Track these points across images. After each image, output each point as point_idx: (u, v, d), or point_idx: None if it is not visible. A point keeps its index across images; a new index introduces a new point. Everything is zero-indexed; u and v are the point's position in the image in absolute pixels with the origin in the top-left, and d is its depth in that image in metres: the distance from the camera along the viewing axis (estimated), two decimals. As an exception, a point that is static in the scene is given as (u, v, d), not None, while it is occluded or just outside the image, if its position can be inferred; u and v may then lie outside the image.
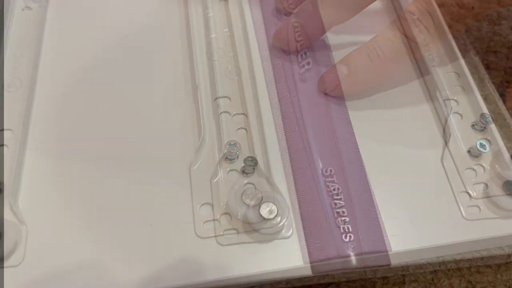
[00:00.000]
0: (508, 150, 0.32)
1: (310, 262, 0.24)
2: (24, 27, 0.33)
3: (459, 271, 0.28)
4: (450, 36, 0.34)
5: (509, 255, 0.27)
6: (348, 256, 0.24)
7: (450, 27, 0.39)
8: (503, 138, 0.30)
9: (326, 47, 0.33)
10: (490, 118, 0.29)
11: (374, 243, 0.25)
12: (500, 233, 0.26)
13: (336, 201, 0.26)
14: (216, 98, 0.30)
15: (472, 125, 0.31)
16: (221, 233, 0.25)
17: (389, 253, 0.25)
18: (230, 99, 0.30)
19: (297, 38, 0.33)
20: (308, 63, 0.32)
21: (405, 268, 0.26)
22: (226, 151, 0.27)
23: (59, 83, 0.31)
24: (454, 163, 0.29)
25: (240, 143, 0.27)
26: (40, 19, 0.33)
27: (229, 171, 0.27)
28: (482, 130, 0.30)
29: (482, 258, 0.27)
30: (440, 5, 0.38)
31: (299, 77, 0.31)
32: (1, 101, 0.29)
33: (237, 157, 0.27)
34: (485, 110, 0.31)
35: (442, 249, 0.26)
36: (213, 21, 0.34)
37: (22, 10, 0.33)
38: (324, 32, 0.34)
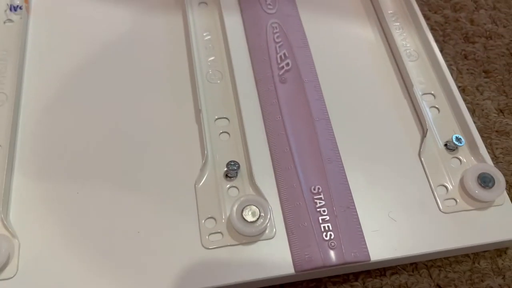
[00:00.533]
0: (485, 141, 0.33)
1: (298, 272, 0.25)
2: (7, 41, 0.33)
3: (440, 261, 0.29)
4: (426, 28, 0.35)
5: (484, 245, 0.27)
6: (333, 265, 0.25)
7: (428, 18, 0.40)
8: (479, 130, 0.31)
9: (306, 48, 0.34)
10: (461, 140, 0.30)
11: (357, 254, 0.26)
12: (476, 225, 0.27)
13: (323, 217, 0.27)
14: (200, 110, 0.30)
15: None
16: (206, 237, 0.26)
17: (370, 261, 0.26)
18: (215, 103, 0.31)
19: (276, 39, 0.34)
20: (288, 64, 0.33)
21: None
22: (226, 169, 0.28)
23: (45, 96, 0.31)
24: (432, 157, 0.30)
25: (239, 163, 0.28)
26: (22, 32, 0.33)
27: (229, 188, 0.28)
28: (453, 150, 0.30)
29: (460, 249, 0.28)
30: (419, -3, 0.39)
31: (278, 79, 0.32)
32: (-13, 116, 0.30)
33: (237, 175, 0.28)
34: (461, 103, 0.31)
35: (419, 245, 0.27)
36: (193, 26, 0.34)
37: (4, 23, 0.34)
38: (303, 32, 0.34)
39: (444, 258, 0.29)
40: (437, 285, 0.28)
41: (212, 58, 0.33)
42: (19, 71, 0.31)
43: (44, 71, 0.32)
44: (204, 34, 0.34)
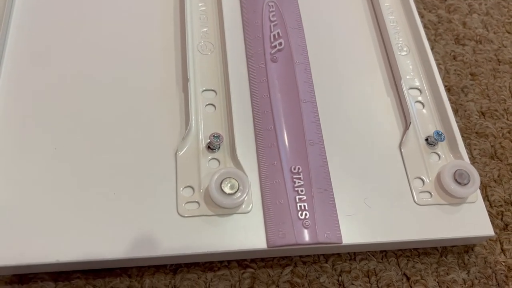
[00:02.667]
0: (464, 141, 0.34)
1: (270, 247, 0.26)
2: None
3: (409, 251, 0.29)
4: (420, 25, 0.35)
5: (453, 239, 0.28)
6: (306, 244, 0.25)
7: (422, 16, 0.40)
8: (460, 130, 0.31)
9: (300, 29, 0.34)
10: (442, 136, 0.30)
11: (329, 235, 0.26)
12: (447, 219, 0.28)
13: (300, 196, 0.27)
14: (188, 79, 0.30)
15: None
16: (183, 205, 0.26)
17: (341, 244, 0.26)
18: (202, 75, 0.31)
19: (271, 18, 0.34)
20: (281, 44, 0.33)
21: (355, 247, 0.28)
22: (209, 141, 0.28)
23: (31, 50, 0.31)
24: (412, 149, 0.30)
25: (222, 136, 0.28)
26: (6, 4, 0.32)
27: (210, 160, 0.28)
28: (433, 145, 0.31)
29: (429, 241, 0.28)
30: (415, -6, 0.39)
31: (270, 57, 0.32)
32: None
33: (218, 147, 0.28)
34: (446, 101, 0.32)
35: (391, 233, 0.27)
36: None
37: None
38: (299, 14, 0.34)
39: (414, 248, 0.29)
40: (404, 274, 0.28)
41: (205, 29, 0.33)
42: (5, 24, 0.31)
43: (31, 28, 0.32)
44: (200, 5, 0.34)
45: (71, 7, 0.33)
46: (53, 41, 0.31)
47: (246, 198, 0.27)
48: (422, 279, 0.28)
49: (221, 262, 0.27)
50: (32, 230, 0.25)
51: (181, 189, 0.27)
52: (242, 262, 0.27)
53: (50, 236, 0.25)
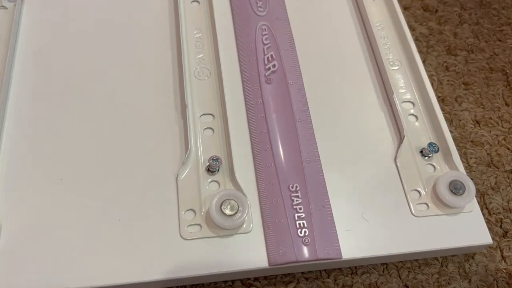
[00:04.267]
0: (460, 150, 0.35)
1: (272, 266, 0.26)
2: (0, 26, 0.34)
3: (409, 263, 0.30)
4: (410, 39, 0.36)
5: (453, 249, 0.29)
6: (306, 261, 0.26)
7: (414, 29, 0.41)
8: (455, 139, 0.32)
9: (293, 51, 0.35)
10: (436, 147, 0.31)
11: (329, 251, 0.27)
12: (445, 229, 0.29)
13: (299, 214, 0.28)
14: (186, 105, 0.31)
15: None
16: (185, 228, 0.27)
17: (342, 259, 0.27)
18: (202, 100, 0.32)
19: (264, 41, 0.35)
20: (274, 66, 0.34)
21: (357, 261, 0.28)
22: (208, 164, 0.29)
23: (35, 82, 0.32)
24: (407, 162, 0.31)
25: (221, 158, 0.29)
26: (15, 19, 0.34)
27: (210, 182, 0.29)
28: (428, 157, 0.31)
29: (429, 252, 0.29)
30: (405, 8, 0.40)
31: (264, 79, 0.33)
32: (-24, 99, 0.30)
33: (218, 170, 0.29)
34: (439, 112, 0.32)
35: (390, 246, 0.28)
36: (184, 23, 0.35)
37: (-2, 9, 0.34)
38: (291, 35, 0.35)
39: (414, 260, 0.30)
40: (406, 285, 0.29)
41: (201, 55, 0.34)
42: (10, 57, 0.32)
43: (34, 58, 0.33)
44: (195, 32, 0.35)
45: (71, 36, 0.34)
46: (53, 71, 0.32)
47: (246, 218, 0.27)
48: (423, 289, 0.29)
49: (225, 282, 0.28)
50: (41, 259, 0.26)
51: (183, 212, 0.28)
52: (246, 281, 0.28)
53: (59, 264, 0.26)
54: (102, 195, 0.28)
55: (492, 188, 0.33)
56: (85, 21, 0.35)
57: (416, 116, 0.33)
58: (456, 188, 0.29)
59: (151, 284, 0.26)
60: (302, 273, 0.29)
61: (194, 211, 0.28)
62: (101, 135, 0.30)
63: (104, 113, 0.31)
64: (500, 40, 0.41)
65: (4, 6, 0.35)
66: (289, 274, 0.29)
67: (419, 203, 0.29)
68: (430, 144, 0.31)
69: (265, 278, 0.28)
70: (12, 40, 0.33)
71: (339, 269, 0.29)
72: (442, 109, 0.33)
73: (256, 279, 0.28)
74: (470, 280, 0.29)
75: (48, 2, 0.36)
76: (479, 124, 0.36)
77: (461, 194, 0.29)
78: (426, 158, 0.31)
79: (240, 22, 0.36)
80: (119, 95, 0.32)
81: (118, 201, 0.28)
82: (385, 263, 0.29)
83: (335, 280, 0.29)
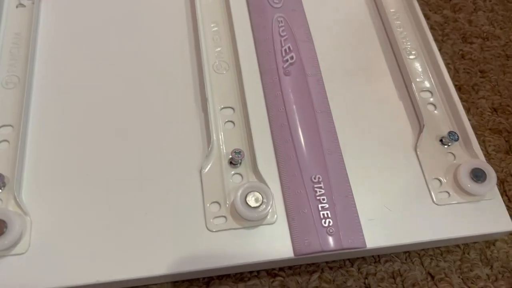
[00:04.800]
0: (479, 138, 0.35)
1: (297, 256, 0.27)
2: (19, 24, 0.34)
3: (432, 250, 0.30)
4: (426, 27, 0.36)
5: (474, 236, 0.29)
6: (331, 251, 0.27)
7: (428, 18, 0.41)
8: (473, 128, 0.32)
9: (310, 42, 0.35)
10: (456, 136, 0.31)
11: (353, 240, 0.27)
12: (467, 217, 0.29)
13: (322, 204, 0.28)
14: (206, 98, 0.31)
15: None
16: (211, 220, 0.27)
17: (366, 248, 0.27)
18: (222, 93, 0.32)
19: (281, 33, 0.35)
20: (292, 57, 0.34)
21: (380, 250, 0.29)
22: (231, 157, 0.29)
23: (56, 78, 0.32)
24: (427, 151, 0.31)
25: (243, 151, 0.29)
26: (34, 16, 0.34)
27: (233, 174, 0.29)
28: (448, 146, 0.32)
29: (451, 239, 0.29)
30: (419, -4, 0.40)
31: (282, 71, 0.33)
32: (0, 98, 0.31)
33: (240, 162, 0.29)
34: (457, 101, 0.32)
35: (413, 234, 0.28)
36: (201, 17, 0.35)
37: (16, 7, 0.35)
38: (308, 27, 0.35)
39: (436, 247, 0.30)
40: (428, 273, 0.29)
41: (219, 49, 0.34)
42: (31, 55, 0.32)
43: (55, 55, 0.33)
44: (212, 26, 0.35)
45: (89, 32, 0.34)
46: (74, 68, 0.33)
47: (270, 210, 0.28)
48: (446, 277, 0.29)
49: (251, 272, 0.28)
50: (71, 253, 0.26)
51: (208, 205, 0.28)
52: (271, 271, 0.28)
53: (88, 258, 0.26)
54: (128, 189, 0.28)
55: (511, 175, 0.33)
56: (103, 17, 0.35)
57: (434, 105, 0.33)
58: (477, 176, 0.29)
59: (178, 275, 0.27)
60: (326, 262, 0.29)
61: (219, 203, 0.28)
62: (125, 131, 0.30)
63: (126, 109, 0.31)
64: (515, 27, 0.41)
65: (22, 4, 0.35)
66: (313, 263, 0.29)
67: (440, 192, 0.30)
68: (450, 132, 0.31)
69: (290, 268, 0.29)
70: (32, 38, 0.33)
71: (363, 258, 0.29)
72: (459, 97, 0.33)
73: (281, 269, 0.29)
74: (492, 266, 0.30)
75: (65, -1, 0.36)
76: (496, 112, 0.36)
77: (482, 182, 0.29)
78: (446, 146, 0.31)
79: (256, 15, 0.36)
80: (140, 91, 0.32)
81: (144, 195, 0.28)
82: (408, 251, 0.30)
83: (359, 269, 0.29)
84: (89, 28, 0.35)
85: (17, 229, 0.26)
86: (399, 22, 0.37)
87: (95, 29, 0.34)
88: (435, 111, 0.33)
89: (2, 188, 0.27)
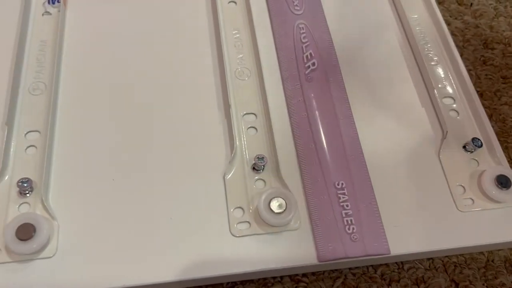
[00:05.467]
0: (501, 144, 0.34)
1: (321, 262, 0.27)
2: (45, 32, 0.34)
3: (455, 257, 0.30)
4: (448, 33, 0.36)
5: (499, 244, 0.29)
6: (356, 257, 0.27)
7: (449, 24, 0.41)
8: (496, 134, 0.32)
9: (331, 48, 0.35)
10: (479, 142, 0.31)
11: (377, 247, 0.27)
12: (491, 224, 0.29)
13: (346, 211, 0.28)
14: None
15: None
16: (235, 226, 0.28)
17: (390, 255, 0.27)
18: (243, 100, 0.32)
19: (303, 40, 0.35)
20: (314, 64, 0.34)
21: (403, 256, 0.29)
22: (254, 162, 0.29)
23: (82, 84, 0.33)
24: (450, 157, 0.31)
25: (267, 157, 0.29)
26: (59, 24, 0.35)
27: (256, 180, 0.29)
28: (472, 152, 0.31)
29: (475, 246, 0.29)
30: (440, 3, 0.40)
31: (304, 77, 0.33)
32: (27, 104, 0.31)
33: (263, 168, 0.29)
34: (480, 107, 0.32)
35: (437, 241, 0.28)
36: (223, 24, 0.35)
37: (42, 15, 0.35)
38: (329, 33, 0.36)
39: (460, 254, 0.30)
40: (453, 280, 0.29)
41: (241, 56, 0.34)
42: (57, 62, 0.33)
43: (80, 61, 0.34)
44: (234, 32, 0.35)
45: (113, 39, 0.35)
46: (99, 74, 0.33)
47: (293, 216, 0.28)
48: (471, 284, 0.29)
49: (274, 278, 0.29)
50: (98, 257, 0.27)
51: (232, 210, 0.28)
52: (294, 277, 0.29)
53: (114, 263, 0.26)
54: (153, 194, 0.29)
55: (536, 182, 0.33)
56: (127, 24, 0.36)
57: (457, 111, 0.33)
58: (501, 182, 0.29)
59: (202, 280, 0.27)
60: (349, 268, 0.29)
61: (242, 208, 0.28)
62: (149, 137, 0.31)
63: (150, 115, 0.32)
64: (537, 32, 0.41)
65: (48, 12, 0.36)
66: (336, 269, 0.29)
67: (464, 198, 0.30)
68: (473, 139, 0.31)
69: (313, 274, 0.29)
70: (58, 45, 0.34)
71: (386, 264, 0.29)
72: (482, 104, 0.33)
73: (304, 275, 0.29)
74: (516, 274, 0.30)
75: (89, 6, 0.36)
76: (519, 118, 0.36)
77: (507, 189, 0.29)
78: (470, 153, 0.31)
79: (278, 22, 0.36)
80: (164, 98, 0.32)
81: (169, 200, 0.28)
82: (431, 258, 0.30)
83: (382, 275, 0.29)
84: (114, 35, 0.35)
85: (45, 233, 0.26)
86: (420, 28, 0.37)
87: (119, 36, 0.35)
88: (458, 118, 0.33)
89: (30, 192, 0.28)
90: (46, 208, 0.27)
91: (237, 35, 0.35)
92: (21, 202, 0.28)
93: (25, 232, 0.26)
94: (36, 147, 0.30)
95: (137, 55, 0.34)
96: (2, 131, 0.30)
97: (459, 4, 0.42)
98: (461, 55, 0.39)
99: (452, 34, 0.40)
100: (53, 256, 0.26)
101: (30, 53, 0.33)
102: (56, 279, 0.26)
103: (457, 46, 0.39)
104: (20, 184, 0.27)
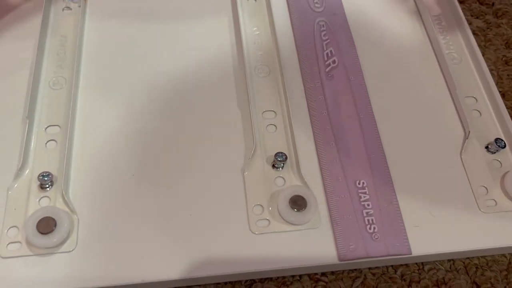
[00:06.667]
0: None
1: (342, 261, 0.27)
2: (65, 27, 0.35)
3: (477, 259, 0.29)
4: (470, 33, 0.36)
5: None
6: (376, 257, 0.26)
7: (470, 23, 0.41)
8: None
9: (352, 46, 0.35)
10: (503, 143, 0.31)
11: (399, 247, 0.27)
12: (515, 225, 0.28)
13: (367, 210, 0.28)
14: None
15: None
16: (254, 223, 0.27)
17: (411, 255, 0.27)
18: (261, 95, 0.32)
19: (323, 37, 0.35)
20: (334, 62, 0.34)
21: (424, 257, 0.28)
22: (273, 160, 0.29)
23: (102, 79, 0.33)
24: (473, 158, 0.31)
25: (286, 155, 0.29)
26: (80, 19, 0.35)
27: (276, 178, 0.29)
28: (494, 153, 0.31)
29: (497, 248, 0.28)
30: (460, 2, 0.40)
31: (325, 75, 0.33)
32: (48, 98, 0.31)
33: (283, 166, 0.29)
34: (503, 107, 0.32)
35: (458, 242, 0.28)
36: (243, 21, 0.35)
37: (62, 10, 0.35)
38: (350, 31, 0.35)
39: (482, 256, 0.29)
40: (474, 282, 0.29)
41: (261, 53, 0.34)
42: (77, 57, 0.33)
43: (100, 56, 0.34)
44: (254, 29, 0.35)
45: (133, 34, 0.35)
46: (119, 71, 0.33)
47: (314, 214, 0.28)
48: (492, 286, 0.28)
49: (293, 276, 0.28)
50: (117, 252, 0.26)
51: (251, 207, 0.28)
52: (313, 275, 0.28)
53: (133, 258, 0.26)
54: (173, 191, 0.29)
55: (559, 184, 0.32)
56: (148, 20, 0.36)
57: (479, 111, 0.33)
58: (525, 184, 0.29)
59: (221, 277, 0.27)
60: (369, 268, 0.29)
61: (262, 206, 0.28)
62: (169, 133, 0.31)
63: (170, 110, 0.32)
64: (560, 33, 0.40)
65: (68, 7, 0.36)
66: (355, 269, 0.29)
67: (487, 199, 0.29)
68: (497, 139, 0.30)
69: (332, 273, 0.28)
70: (79, 40, 0.34)
71: (406, 264, 0.29)
72: (504, 104, 0.32)
73: (323, 274, 0.28)
74: (539, 277, 0.29)
75: (110, 1, 0.36)
76: (542, 119, 0.35)
77: (531, 190, 0.28)
78: (492, 153, 0.31)
79: (298, 19, 0.36)
80: (183, 93, 0.32)
81: (189, 196, 0.28)
82: (452, 259, 0.29)
83: (402, 276, 0.29)
84: (134, 30, 0.35)
85: (65, 227, 0.26)
86: (442, 27, 0.36)
87: (139, 32, 0.35)
88: (480, 118, 0.32)
89: (50, 186, 0.28)
90: (66, 202, 0.27)
91: (257, 32, 0.35)
92: (42, 196, 0.28)
93: (46, 225, 0.26)
94: (56, 142, 0.30)
95: (157, 51, 0.34)
96: (23, 125, 0.30)
97: (481, 4, 0.42)
98: (483, 55, 0.38)
99: (474, 33, 0.39)
100: (73, 250, 0.26)
101: (51, 48, 0.34)
102: (76, 273, 0.26)
103: (478, 45, 0.39)
104: (40, 178, 0.27)
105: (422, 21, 0.37)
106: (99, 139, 0.30)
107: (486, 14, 0.41)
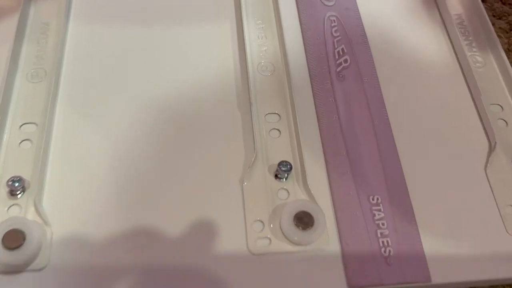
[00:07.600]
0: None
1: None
2: (48, 13, 0.31)
3: (502, 287, 0.26)
4: (494, 34, 0.32)
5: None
6: (391, 284, 0.23)
7: (493, 24, 0.37)
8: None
9: (365, 44, 0.31)
10: None
11: (417, 273, 0.24)
12: (547, 251, 0.25)
13: (381, 230, 0.25)
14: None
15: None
16: (253, 242, 0.24)
17: (430, 283, 0.24)
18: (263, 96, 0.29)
19: (334, 33, 0.32)
20: (346, 61, 0.30)
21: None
22: (276, 169, 0.26)
23: (87, 73, 0.29)
24: (499, 173, 0.27)
25: (291, 164, 0.26)
26: (64, 7, 0.31)
27: (278, 190, 0.26)
28: None
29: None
30: (482, 1, 0.37)
31: (335, 75, 0.30)
32: (24, 92, 0.28)
33: (287, 177, 0.26)
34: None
35: (483, 270, 0.24)
36: (246, 14, 0.32)
37: (46, -6, 0.32)
38: (363, 27, 0.32)
39: (507, 285, 0.26)
40: (499, 314, 0.25)
41: (265, 48, 0.31)
42: (60, 47, 0.30)
43: (86, 47, 0.30)
44: (258, 22, 0.32)
45: (125, 29, 0.31)
46: (111, 67, 0.30)
47: (321, 234, 0.24)
48: (520, 319, 0.25)
49: (295, 303, 0.25)
50: (96, 271, 0.23)
51: (251, 223, 0.25)
52: (318, 302, 0.25)
53: (115, 277, 0.23)
54: (161, 201, 0.25)
55: None
56: (140, 7, 0.32)
57: (505, 121, 0.29)
58: (559, 204, 0.25)
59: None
60: (381, 295, 0.25)
61: (262, 222, 0.25)
62: (159, 134, 0.27)
63: (160, 109, 0.28)
64: None
65: (53, -8, 0.32)
66: (366, 296, 0.25)
67: (515, 221, 0.26)
68: (527, 153, 0.27)
69: (340, 300, 0.25)
70: (62, 28, 0.30)
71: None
72: (531, 113, 0.29)
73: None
74: None
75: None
76: None
77: None
78: (521, 168, 0.28)
79: (306, 13, 0.33)
80: (177, 91, 0.29)
81: (179, 208, 0.25)
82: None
83: (419, 305, 0.25)
84: (124, 18, 0.32)
85: (35, 241, 0.23)
86: (463, 28, 0.33)
87: (130, 19, 0.32)
88: (507, 127, 0.29)
89: (22, 193, 0.24)
90: (39, 212, 0.24)
91: (261, 26, 0.32)
92: (11, 203, 0.24)
93: (13, 239, 0.22)
94: (31, 141, 0.26)
95: (150, 41, 0.31)
96: (-6, 122, 0.26)
97: (504, 3, 0.39)
98: (507, 58, 0.35)
99: (497, 35, 0.36)
100: (44, 268, 0.23)
101: (30, 36, 0.30)
102: (46, 295, 0.22)
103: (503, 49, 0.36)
104: (10, 183, 0.24)
105: (442, 19, 0.34)
106: (80, 140, 0.27)
107: (509, 15, 0.38)
